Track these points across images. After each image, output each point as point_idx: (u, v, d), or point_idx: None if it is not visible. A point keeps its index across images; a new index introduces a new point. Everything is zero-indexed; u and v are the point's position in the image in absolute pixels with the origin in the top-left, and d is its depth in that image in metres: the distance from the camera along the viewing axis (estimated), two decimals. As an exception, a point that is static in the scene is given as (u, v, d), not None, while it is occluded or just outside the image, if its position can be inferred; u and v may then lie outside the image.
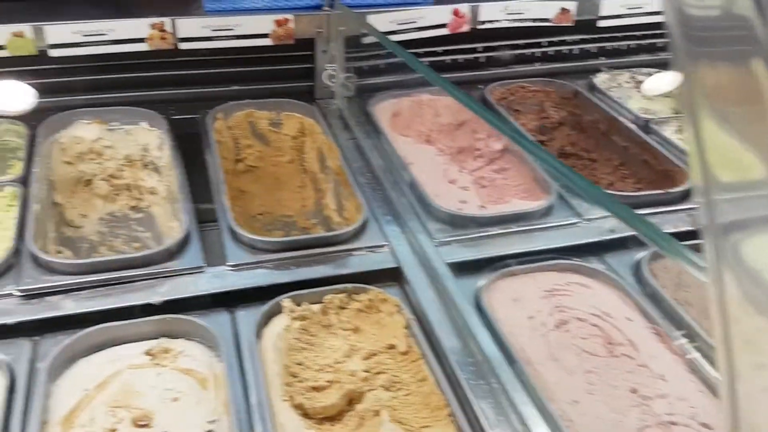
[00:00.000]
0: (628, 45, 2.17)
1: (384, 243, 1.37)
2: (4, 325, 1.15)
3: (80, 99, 1.73)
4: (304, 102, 1.82)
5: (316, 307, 1.24)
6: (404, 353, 1.18)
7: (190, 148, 1.65)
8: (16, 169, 1.63)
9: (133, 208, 1.70)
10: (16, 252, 1.27)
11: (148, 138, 1.71)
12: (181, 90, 1.83)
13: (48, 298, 1.21)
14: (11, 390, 1.06)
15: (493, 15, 1.88)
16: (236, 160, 1.82)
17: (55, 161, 1.62)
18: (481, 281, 1.28)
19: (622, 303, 1.30)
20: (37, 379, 1.07)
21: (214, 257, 1.34)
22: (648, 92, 2.00)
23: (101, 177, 1.69)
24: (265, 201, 1.78)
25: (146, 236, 1.61)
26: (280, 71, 1.87)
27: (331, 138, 1.70)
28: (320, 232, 1.65)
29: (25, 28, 1.61)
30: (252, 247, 1.35)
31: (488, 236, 1.37)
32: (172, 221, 1.58)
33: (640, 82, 2.04)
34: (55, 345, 1.13)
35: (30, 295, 1.20)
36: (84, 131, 1.68)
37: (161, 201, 1.68)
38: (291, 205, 1.78)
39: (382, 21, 1.75)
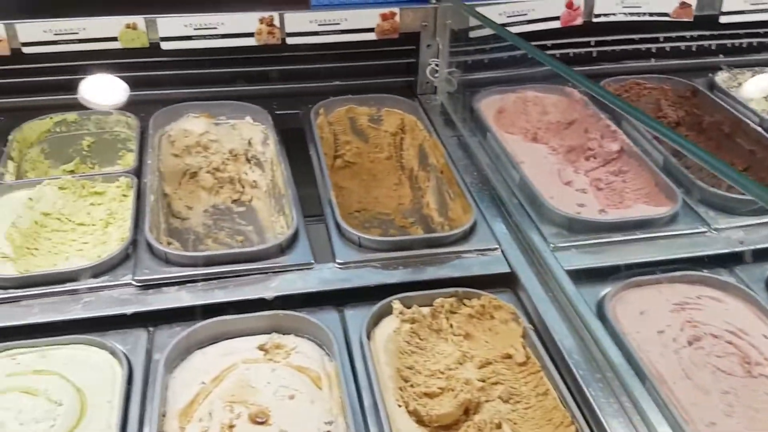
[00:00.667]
0: (751, 42, 2.01)
1: (495, 246, 1.32)
2: (123, 315, 1.17)
3: (188, 92, 1.75)
4: (405, 97, 1.78)
5: (426, 310, 1.20)
6: (522, 364, 1.12)
7: (292, 143, 1.64)
8: (126, 159, 1.67)
9: (235, 201, 1.71)
10: (133, 242, 1.29)
11: (252, 132, 1.72)
12: (284, 85, 1.83)
13: (164, 289, 1.22)
14: (129, 380, 1.06)
15: (609, 8, 1.78)
16: (335, 156, 1.80)
17: (164, 153, 1.64)
18: (603, 291, 1.20)
19: (757, 319, 1.20)
20: (155, 370, 1.08)
21: (318, 252, 1.32)
22: (750, 94, 1.87)
23: (206, 170, 1.71)
24: (362, 198, 1.76)
25: (249, 229, 1.62)
26: (382, 66, 1.84)
27: (435, 135, 1.65)
28: (421, 232, 1.62)
29: (138, 20, 1.64)
30: (359, 245, 1.32)
31: (610, 243, 1.29)
32: (274, 215, 1.58)
33: (764, 81, 1.90)
34: (171, 336, 1.14)
35: (146, 286, 1.22)
36: (192, 124, 1.70)
37: (263, 195, 1.68)
38: (387, 203, 1.76)
39: (490, 13, 1.68)
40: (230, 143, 1.73)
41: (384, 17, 1.70)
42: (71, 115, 1.68)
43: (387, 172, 1.81)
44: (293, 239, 1.31)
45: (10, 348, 1.10)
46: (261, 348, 1.14)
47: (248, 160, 1.73)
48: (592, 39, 1.88)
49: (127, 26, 1.63)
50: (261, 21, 1.67)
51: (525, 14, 1.74)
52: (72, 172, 1.64)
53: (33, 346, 1.10)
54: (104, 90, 1.69)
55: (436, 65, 1.77)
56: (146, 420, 1.00)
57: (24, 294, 1.18)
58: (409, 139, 1.76)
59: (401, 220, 1.69)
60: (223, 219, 1.66)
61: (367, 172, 1.82)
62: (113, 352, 1.10)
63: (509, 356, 1.14)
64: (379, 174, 1.81)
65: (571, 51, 1.88)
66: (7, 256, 1.24)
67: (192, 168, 1.70)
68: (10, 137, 1.59)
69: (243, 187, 1.73)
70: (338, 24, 1.71)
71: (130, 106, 1.69)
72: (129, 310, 1.17)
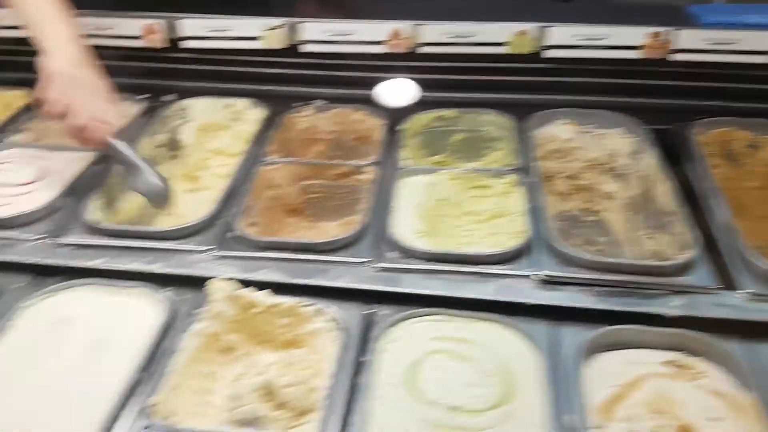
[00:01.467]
0: None
1: None
2: (526, 305, 1.23)
3: (561, 98, 1.80)
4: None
5: None
6: None
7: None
8: (489, 158, 1.76)
9: (584, 210, 1.71)
10: (531, 238, 1.35)
11: (618, 144, 1.71)
12: (657, 99, 1.80)
13: (562, 287, 1.26)
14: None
15: None
16: (697, 178, 1.72)
17: (530, 155, 1.71)
18: None
19: None
20: (567, 364, 1.12)
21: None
22: None
23: (563, 175, 1.74)
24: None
25: (601, 240, 1.61)
26: (764, 90, 1.72)
27: None
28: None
29: (528, 27, 1.72)
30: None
31: None
32: (643, 231, 1.55)
33: None
34: (573, 334, 1.18)
35: (546, 282, 1.27)
36: (559, 130, 1.76)
37: (617, 208, 1.66)
38: (753, 235, 1.62)
39: None
40: (593, 152, 1.74)
41: (794, 39, 1.59)
42: (450, 112, 1.82)
43: (756, 202, 1.68)
44: (696, 260, 1.28)
45: (433, 314, 1.22)
46: (670, 364, 1.13)
47: (608, 171, 1.73)
48: None
49: (520, 33, 1.73)
50: (649, 35, 1.66)
51: None
52: (440, 163, 1.79)
53: (455, 316, 1.21)
54: (398, 92, 1.82)
55: None
56: (573, 408, 1.04)
57: (437, 268, 1.30)
58: (797, 172, 1.62)
59: (775, 258, 1.56)
60: (572, 226, 1.68)
61: (731, 199, 1.71)
62: (527, 336, 1.17)
63: None
64: (746, 203, 1.69)
65: None
66: (423, 231, 1.39)
67: (549, 172, 1.75)
68: (401, 127, 1.78)
69: (596, 197, 1.73)
70: (733, 44, 1.64)
71: (505, 108, 1.79)
72: (533, 300, 1.24)
